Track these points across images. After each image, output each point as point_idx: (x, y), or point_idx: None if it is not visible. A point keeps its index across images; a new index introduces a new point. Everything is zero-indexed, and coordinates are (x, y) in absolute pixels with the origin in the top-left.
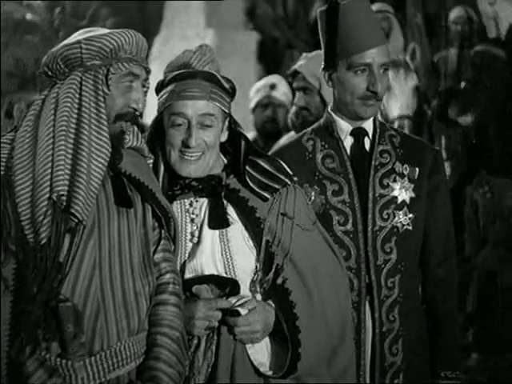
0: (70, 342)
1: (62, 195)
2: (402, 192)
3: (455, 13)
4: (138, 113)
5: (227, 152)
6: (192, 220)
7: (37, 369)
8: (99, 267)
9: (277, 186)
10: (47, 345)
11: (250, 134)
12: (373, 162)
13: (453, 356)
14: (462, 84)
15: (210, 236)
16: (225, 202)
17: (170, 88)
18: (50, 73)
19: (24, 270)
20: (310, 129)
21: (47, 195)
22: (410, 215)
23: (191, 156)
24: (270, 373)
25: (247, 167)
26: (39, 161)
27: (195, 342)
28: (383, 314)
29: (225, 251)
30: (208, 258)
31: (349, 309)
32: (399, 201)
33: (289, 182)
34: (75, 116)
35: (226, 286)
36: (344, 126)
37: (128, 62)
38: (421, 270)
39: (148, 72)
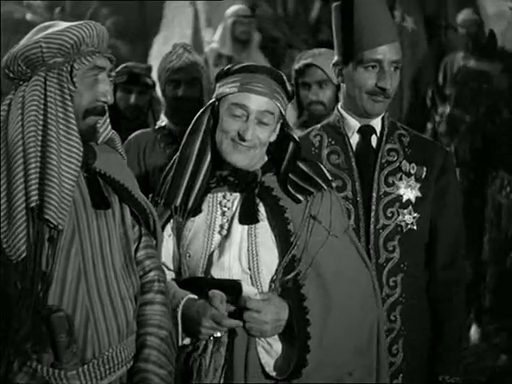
0: (63, 351)
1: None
2: (407, 191)
3: (462, 15)
4: (106, 105)
5: (269, 151)
6: (223, 213)
7: (28, 383)
8: (84, 274)
9: (312, 190)
10: (38, 356)
11: None
12: (379, 160)
13: (453, 360)
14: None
15: (240, 230)
16: (257, 199)
17: (234, 78)
18: (11, 75)
19: (7, 285)
20: (319, 125)
21: (24, 205)
22: (415, 214)
23: (243, 147)
24: (273, 373)
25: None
26: (11, 170)
27: (203, 343)
28: (383, 314)
29: (251, 247)
30: (235, 252)
31: (374, 322)
32: (404, 199)
33: (325, 187)
34: (41, 118)
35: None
36: (352, 123)
37: (91, 55)
38: (427, 270)
39: (112, 61)
